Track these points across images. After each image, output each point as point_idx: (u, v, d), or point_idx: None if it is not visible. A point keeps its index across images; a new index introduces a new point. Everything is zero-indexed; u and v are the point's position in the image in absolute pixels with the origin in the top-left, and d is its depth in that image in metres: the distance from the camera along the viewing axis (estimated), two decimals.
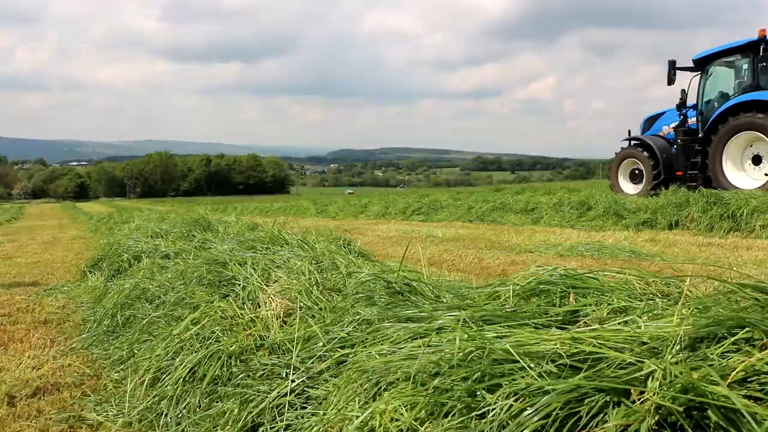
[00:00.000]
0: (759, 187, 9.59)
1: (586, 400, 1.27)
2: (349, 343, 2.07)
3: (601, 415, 1.25)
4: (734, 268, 4.59)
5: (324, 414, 1.73)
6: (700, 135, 11.07)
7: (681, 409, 1.18)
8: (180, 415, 2.24)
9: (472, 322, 1.80)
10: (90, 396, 2.71)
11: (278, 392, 1.98)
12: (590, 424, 1.24)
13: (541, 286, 2.01)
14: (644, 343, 1.44)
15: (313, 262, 3.11)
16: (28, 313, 4.60)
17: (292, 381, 2.00)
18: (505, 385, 1.39)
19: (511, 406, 1.34)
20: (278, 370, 2.12)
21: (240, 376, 2.19)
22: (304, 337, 2.22)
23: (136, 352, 3.00)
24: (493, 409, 1.36)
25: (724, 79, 11.19)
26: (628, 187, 12.54)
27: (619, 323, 1.64)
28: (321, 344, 2.13)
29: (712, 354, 1.34)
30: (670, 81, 11.32)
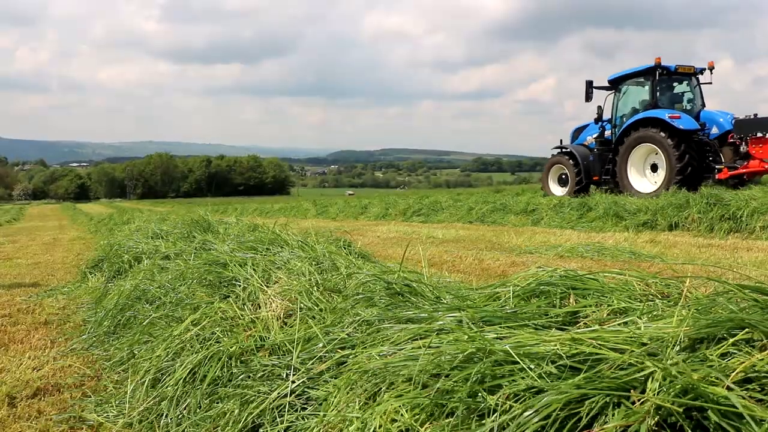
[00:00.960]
0: (650, 193, 11.20)
1: (586, 401, 1.27)
2: (349, 344, 2.07)
3: (601, 416, 1.25)
4: (734, 269, 4.59)
5: (324, 415, 1.73)
6: (612, 145, 12.85)
7: (681, 410, 1.18)
8: (180, 415, 2.24)
9: (473, 323, 1.80)
10: (90, 397, 2.71)
11: (278, 393, 1.98)
12: (590, 425, 1.24)
13: (542, 287, 2.01)
14: (644, 344, 1.44)
15: (314, 263, 3.11)
16: (28, 314, 4.60)
17: (293, 382, 2.00)
18: (506, 386, 1.40)
19: (511, 407, 1.34)
20: (278, 371, 2.12)
21: (240, 377, 2.19)
22: (305, 338, 2.22)
23: (136, 353, 3.00)
24: (493, 410, 1.36)
25: (634, 96, 12.97)
26: (557, 190, 14.01)
27: (619, 324, 1.64)
28: (321, 345, 2.13)
29: (712, 355, 1.34)
30: (588, 98, 13.06)
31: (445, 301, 2.23)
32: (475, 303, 2.07)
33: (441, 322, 1.86)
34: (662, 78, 12.23)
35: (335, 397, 1.78)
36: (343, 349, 2.06)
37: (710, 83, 12.42)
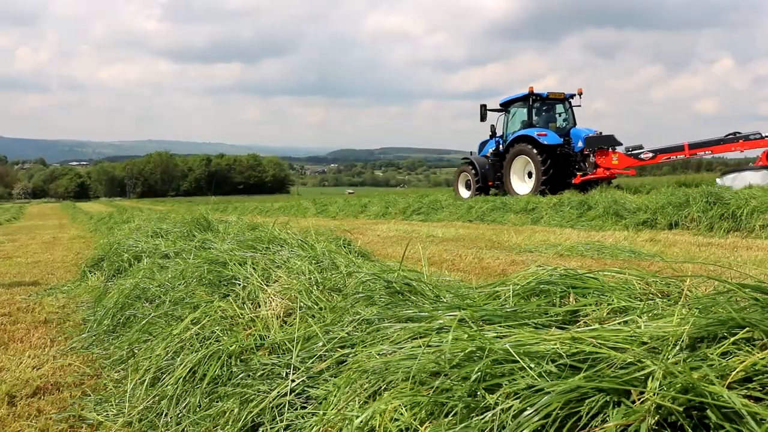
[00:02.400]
0: (527, 193, 14.40)
1: (586, 400, 1.27)
2: (349, 343, 2.07)
3: (601, 414, 1.25)
4: (734, 268, 4.58)
5: (324, 414, 1.73)
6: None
7: (681, 409, 1.18)
8: (180, 414, 2.24)
9: (472, 322, 1.80)
10: (90, 396, 2.71)
11: (278, 392, 1.97)
12: (590, 424, 1.24)
13: (541, 286, 2.01)
14: (644, 343, 1.44)
15: (313, 261, 3.11)
16: (28, 313, 4.60)
17: (292, 381, 2.00)
18: (506, 385, 1.39)
19: (511, 406, 1.34)
20: (278, 369, 2.12)
21: (240, 375, 2.19)
22: (304, 336, 2.22)
23: (136, 351, 3.00)
24: (493, 409, 1.36)
25: (518, 117, 16.35)
26: (464, 193, 17.24)
27: (619, 323, 1.64)
28: (321, 344, 2.13)
29: (712, 354, 1.34)
30: (482, 118, 16.37)
31: (445, 300, 2.23)
32: (475, 302, 2.07)
33: (441, 321, 1.86)
34: (537, 103, 15.78)
35: (335, 395, 1.78)
36: (342, 347, 2.06)
37: (579, 106, 15.88)
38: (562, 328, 1.69)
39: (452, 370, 1.52)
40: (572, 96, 15.89)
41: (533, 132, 14.85)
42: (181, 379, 2.35)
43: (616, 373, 1.33)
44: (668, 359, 1.32)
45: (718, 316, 1.45)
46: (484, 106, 16.30)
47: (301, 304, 2.54)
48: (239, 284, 2.98)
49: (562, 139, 14.88)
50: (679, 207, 8.77)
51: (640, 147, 13.95)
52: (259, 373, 2.15)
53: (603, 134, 14.54)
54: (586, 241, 7.10)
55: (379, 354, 1.81)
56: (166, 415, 2.27)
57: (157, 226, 6.37)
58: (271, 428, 1.88)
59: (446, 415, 1.43)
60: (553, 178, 14.52)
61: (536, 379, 1.37)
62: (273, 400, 1.96)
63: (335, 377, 1.91)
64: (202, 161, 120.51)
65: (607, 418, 1.23)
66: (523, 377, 1.40)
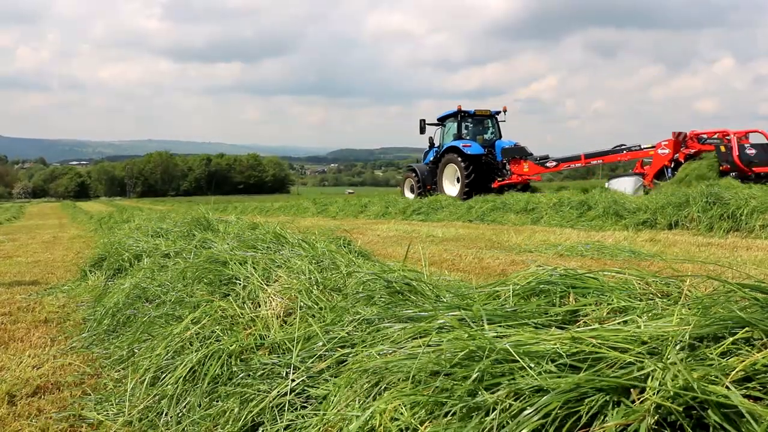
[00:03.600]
0: (454, 196, 16.49)
1: (586, 400, 1.27)
2: (349, 343, 2.07)
3: (601, 414, 1.25)
4: (734, 268, 4.59)
5: (324, 414, 1.73)
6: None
7: (681, 408, 1.18)
8: (180, 414, 2.24)
9: (473, 322, 1.80)
10: (90, 395, 2.71)
11: (278, 392, 1.98)
12: (590, 424, 1.24)
13: (541, 286, 2.01)
14: (644, 343, 1.44)
15: (314, 261, 3.11)
16: (28, 313, 4.60)
17: (292, 380, 2.00)
18: (505, 384, 1.40)
19: (510, 405, 1.34)
20: (278, 369, 2.12)
21: (240, 375, 2.19)
22: (304, 336, 2.22)
23: (136, 351, 3.00)
24: (493, 409, 1.36)
25: (450, 130, 19.05)
26: (410, 195, 19.51)
27: (618, 323, 1.64)
28: (321, 344, 2.13)
29: (711, 354, 1.34)
30: (422, 131, 19.30)
31: (445, 300, 2.23)
32: (475, 301, 2.07)
33: (441, 321, 1.86)
34: (465, 118, 18.76)
35: (335, 395, 1.78)
36: (343, 347, 2.06)
37: (504, 121, 18.82)
38: (562, 328, 1.69)
39: (452, 369, 1.52)
40: (498, 113, 18.90)
41: (459, 143, 17.80)
42: (181, 379, 2.35)
43: (616, 372, 1.33)
44: (668, 359, 1.32)
45: (718, 316, 1.45)
46: (423, 120, 19.34)
47: (302, 303, 2.54)
48: (239, 284, 2.98)
49: (484, 150, 17.84)
50: (679, 207, 8.78)
51: (546, 157, 16.95)
52: (259, 373, 2.15)
53: (518, 146, 17.68)
54: (586, 241, 7.10)
55: (379, 354, 1.81)
56: (166, 414, 2.27)
57: (157, 225, 6.38)
58: (271, 428, 1.88)
59: (446, 415, 1.43)
60: (477, 183, 17.35)
61: (536, 379, 1.37)
62: (273, 399, 1.96)
63: (335, 377, 1.91)
64: (202, 161, 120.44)
65: (607, 418, 1.23)
66: (523, 377, 1.40)
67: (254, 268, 3.09)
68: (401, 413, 1.49)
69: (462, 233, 9.50)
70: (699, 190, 9.04)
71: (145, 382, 2.51)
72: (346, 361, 1.95)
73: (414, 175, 19.79)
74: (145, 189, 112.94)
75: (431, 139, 19.84)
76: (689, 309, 1.60)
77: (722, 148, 12.25)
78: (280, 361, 2.15)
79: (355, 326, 2.17)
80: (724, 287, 1.64)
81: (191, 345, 2.57)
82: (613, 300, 1.82)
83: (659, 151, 13.38)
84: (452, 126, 18.96)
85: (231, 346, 2.36)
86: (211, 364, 2.31)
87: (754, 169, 11.88)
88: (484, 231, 9.74)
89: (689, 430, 1.17)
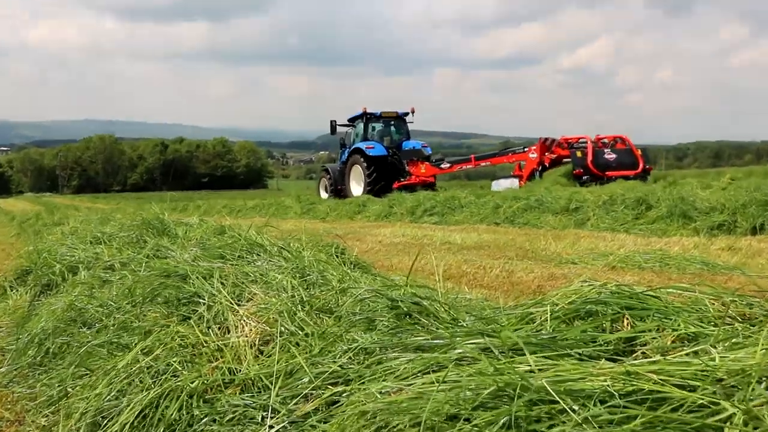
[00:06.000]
0: (360, 194, 20.79)
1: None
2: (343, 379, 2.07)
3: None
4: None
5: None
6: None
7: None
8: None
9: (500, 352, 1.80)
10: None
11: None
12: None
13: (588, 307, 2.01)
14: (720, 380, 1.44)
15: (298, 275, 3.11)
16: None
17: (270, 427, 2.00)
18: None
19: None
20: (252, 412, 2.12)
21: (204, 420, 2.20)
22: (286, 370, 2.23)
23: (70, 390, 3.00)
24: None
25: (359, 132, 23.84)
26: (324, 195, 24.20)
27: (687, 354, 1.64)
28: (307, 380, 2.13)
29: None
30: (332, 132, 24.40)
31: (465, 324, 2.23)
32: (504, 326, 2.07)
33: (460, 351, 1.86)
34: (371, 120, 23.73)
35: None
36: (335, 384, 2.06)
37: (412, 122, 24.03)
38: (614, 360, 1.69)
39: (474, 413, 1.52)
40: (406, 114, 23.97)
41: (364, 145, 22.58)
42: (128, 425, 2.35)
43: (684, 417, 1.33)
44: (751, 400, 1.32)
45: None
46: (334, 121, 24.07)
47: (282, 328, 2.54)
48: (203, 303, 2.98)
49: (388, 152, 22.62)
50: (765, 206, 8.75)
51: (442, 159, 22.47)
52: (227, 417, 2.15)
53: (416, 149, 22.64)
54: (644, 250, 7.10)
55: (381, 392, 1.81)
56: None
57: (98, 229, 6.39)
58: None
59: None
60: (380, 184, 21.72)
61: (582, 426, 1.37)
62: None
63: (325, 422, 1.91)
64: (155, 147, 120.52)
65: None
66: (564, 422, 1.40)
67: (222, 283, 3.10)
68: None
69: (486, 239, 9.51)
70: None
71: (81, 430, 2.52)
72: (339, 402, 1.95)
73: (327, 175, 24.95)
74: (83, 183, 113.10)
75: (342, 140, 25.06)
76: None
77: (579, 154, 16.97)
78: (254, 402, 2.16)
79: (350, 357, 2.17)
80: None
81: (141, 382, 2.57)
82: (679, 325, 1.82)
83: (530, 155, 18.47)
84: (360, 127, 23.89)
85: (192, 382, 2.37)
86: (166, 406, 2.31)
87: (607, 173, 16.36)
88: (514, 236, 9.75)
89: None
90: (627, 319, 1.92)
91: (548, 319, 2.02)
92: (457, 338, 1.99)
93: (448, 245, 9.07)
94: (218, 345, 2.61)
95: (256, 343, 2.56)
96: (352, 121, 24.48)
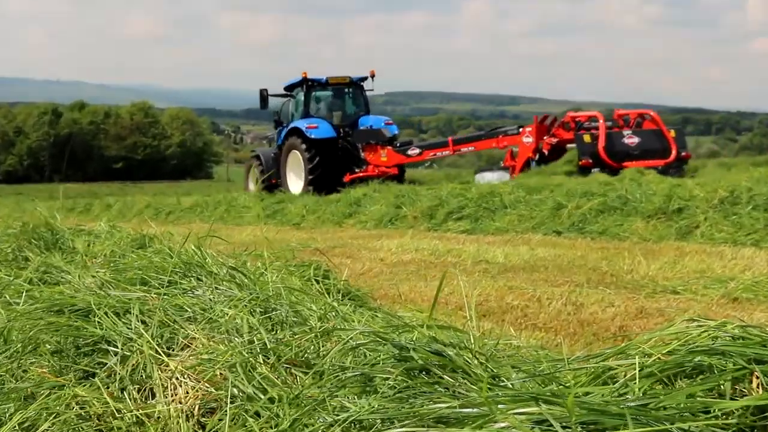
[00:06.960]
0: (298, 194, 21.53)
1: None
2: None
3: None
4: None
5: None
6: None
7: None
8: None
9: (563, 427, 1.80)
10: None
11: None
12: None
13: (697, 359, 2.01)
14: None
15: (258, 310, 3.12)
16: None
17: None
18: None
19: None
20: None
21: None
22: None
23: None
24: None
25: (300, 105, 24.57)
26: (252, 188, 25.49)
27: None
28: None
29: None
30: (262, 106, 25.42)
31: (511, 385, 2.23)
32: (569, 388, 2.07)
33: (503, 425, 1.86)
34: (315, 89, 24.39)
35: None
36: None
37: (372, 90, 24.59)
38: None
39: None
40: (363, 79, 24.42)
41: (304, 124, 23.05)
42: None
43: None
44: None
45: None
46: (265, 90, 24.94)
47: (235, 390, 2.54)
48: (116, 353, 2.98)
49: (337, 132, 23.29)
50: None
51: (410, 143, 23.35)
52: None
53: (374, 129, 23.00)
54: None
55: None
56: None
57: None
58: None
59: None
60: (327, 176, 22.41)
61: None
62: None
63: None
64: (42, 117, 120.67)
65: None
66: None
67: (144, 322, 3.10)
68: None
69: (542, 256, 9.50)
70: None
71: None
72: None
73: (258, 163, 26.02)
74: None
75: (277, 116, 26.11)
76: None
77: (587, 138, 17.70)
78: None
79: None
80: None
81: None
82: None
83: (524, 139, 19.28)
84: (300, 99, 24.63)
85: None
86: None
87: (625, 163, 16.79)
88: (585, 252, 9.74)
89: None
90: (757, 377, 1.92)
91: (636, 377, 2.02)
92: (500, 406, 1.99)
93: (485, 265, 9.07)
94: (138, 416, 2.61)
95: (195, 412, 2.57)
96: (290, 90, 25.23)
